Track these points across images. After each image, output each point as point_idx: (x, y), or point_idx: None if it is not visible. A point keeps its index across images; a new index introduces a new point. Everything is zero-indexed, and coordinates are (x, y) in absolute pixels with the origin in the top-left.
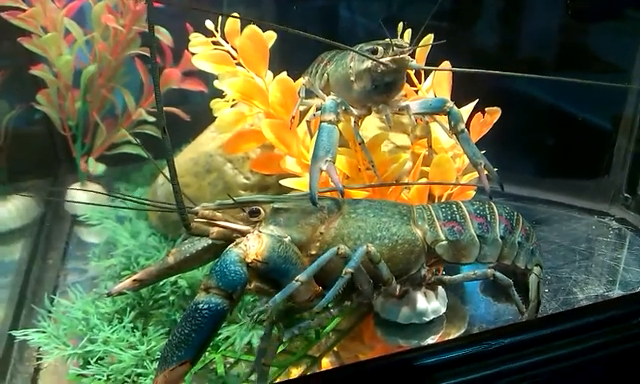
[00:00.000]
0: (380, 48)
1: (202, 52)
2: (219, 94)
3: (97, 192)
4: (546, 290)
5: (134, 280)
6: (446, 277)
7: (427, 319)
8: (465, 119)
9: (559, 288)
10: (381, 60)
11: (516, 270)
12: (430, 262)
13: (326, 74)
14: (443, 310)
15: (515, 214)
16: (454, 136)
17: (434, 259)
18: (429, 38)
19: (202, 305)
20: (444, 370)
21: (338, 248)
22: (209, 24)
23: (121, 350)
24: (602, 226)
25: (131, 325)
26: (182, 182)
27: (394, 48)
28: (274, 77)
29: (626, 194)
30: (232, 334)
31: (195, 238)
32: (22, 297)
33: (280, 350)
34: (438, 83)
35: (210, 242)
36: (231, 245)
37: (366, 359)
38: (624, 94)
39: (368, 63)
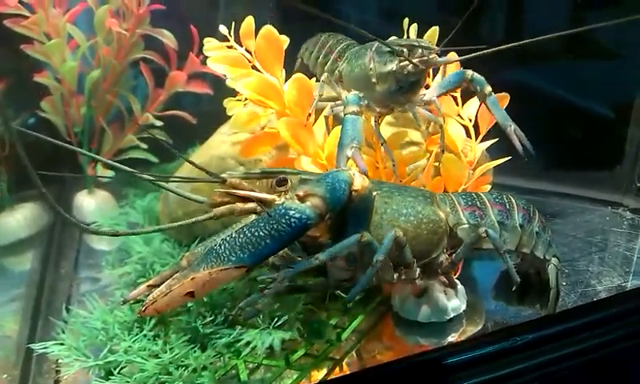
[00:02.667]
0: (405, 50)
1: (216, 55)
2: (226, 95)
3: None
4: (564, 283)
5: (149, 285)
6: (452, 256)
7: (448, 317)
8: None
9: (577, 280)
10: (410, 61)
11: (534, 261)
12: (451, 246)
13: (337, 72)
14: (463, 307)
15: (531, 205)
16: (482, 102)
17: (454, 245)
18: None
19: (293, 212)
20: (470, 368)
21: (362, 235)
22: (222, 29)
23: (143, 359)
24: (616, 216)
25: (152, 333)
26: (194, 187)
27: (421, 50)
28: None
29: (638, 184)
30: (252, 339)
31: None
32: (37, 308)
33: (301, 353)
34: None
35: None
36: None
37: (389, 361)
38: (635, 84)
39: (393, 66)
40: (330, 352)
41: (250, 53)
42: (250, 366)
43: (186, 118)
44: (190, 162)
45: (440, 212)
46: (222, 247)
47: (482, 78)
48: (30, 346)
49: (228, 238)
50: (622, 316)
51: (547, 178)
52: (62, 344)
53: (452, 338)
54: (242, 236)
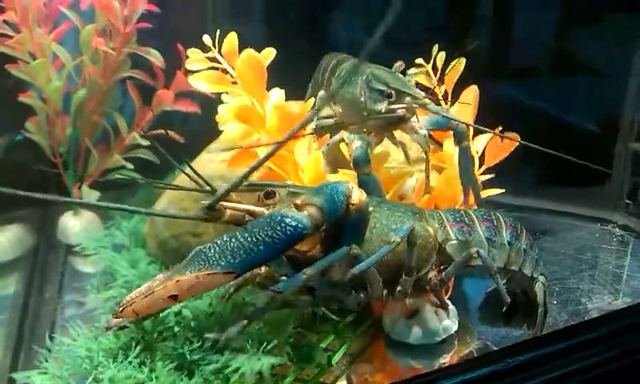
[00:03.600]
0: (393, 93)
1: (198, 73)
2: (214, 112)
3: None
4: (555, 302)
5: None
6: (442, 273)
7: (439, 338)
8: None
9: (568, 298)
10: (398, 107)
11: (522, 279)
12: (440, 263)
13: (331, 89)
14: (455, 327)
15: (519, 223)
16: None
17: (443, 261)
18: (460, 63)
19: (289, 220)
20: None
21: (351, 248)
22: (206, 39)
23: None
24: (606, 233)
25: (137, 360)
26: (182, 207)
27: (409, 98)
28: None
29: (627, 200)
30: (241, 365)
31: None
32: (21, 334)
33: (291, 378)
34: (462, 107)
35: None
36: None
37: None
38: (622, 100)
39: (382, 107)
40: (320, 376)
41: (234, 69)
42: None
43: (174, 137)
44: (188, 169)
45: (429, 228)
46: (212, 250)
47: (464, 130)
48: (12, 375)
49: (219, 242)
50: (613, 335)
51: (536, 195)
52: (45, 373)
53: (444, 359)
54: (233, 240)
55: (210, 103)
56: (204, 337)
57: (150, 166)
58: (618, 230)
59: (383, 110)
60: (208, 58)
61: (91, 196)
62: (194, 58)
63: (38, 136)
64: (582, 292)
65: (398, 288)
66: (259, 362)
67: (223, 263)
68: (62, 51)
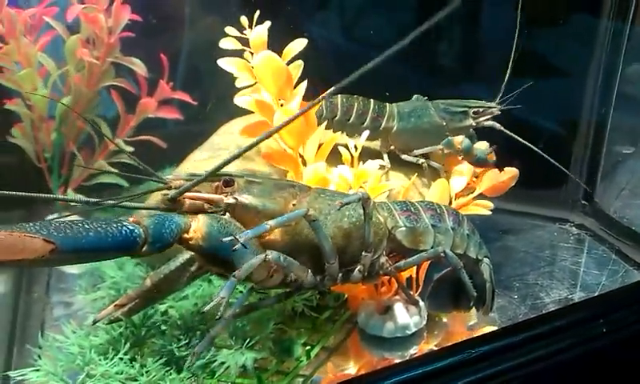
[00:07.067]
0: (478, 109)
1: (229, 58)
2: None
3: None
4: (515, 296)
5: (116, 305)
6: (401, 261)
7: (410, 332)
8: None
9: (527, 294)
10: (481, 120)
11: (467, 263)
12: (390, 250)
13: (385, 130)
14: (424, 322)
15: (459, 212)
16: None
17: (394, 248)
18: None
19: (127, 224)
20: (431, 379)
21: (308, 210)
22: (243, 19)
23: (121, 382)
24: (563, 232)
25: (128, 357)
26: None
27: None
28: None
29: (583, 201)
30: (226, 360)
31: (170, 260)
32: (12, 332)
33: (273, 371)
34: None
35: (183, 260)
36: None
37: (356, 375)
38: (580, 102)
39: (469, 122)
40: (300, 369)
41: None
42: None
43: (157, 143)
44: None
45: (379, 216)
46: (37, 224)
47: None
48: (7, 373)
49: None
50: (569, 327)
51: (499, 197)
52: (38, 370)
53: (414, 351)
54: (67, 223)
55: (188, 110)
56: (190, 334)
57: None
58: (574, 229)
59: (474, 124)
60: (240, 39)
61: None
62: (229, 38)
63: (24, 141)
64: (540, 287)
65: (358, 267)
66: (243, 357)
67: (45, 231)
68: (48, 60)
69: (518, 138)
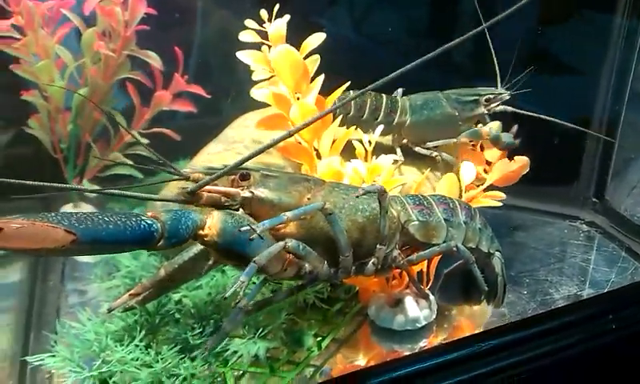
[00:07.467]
0: (489, 96)
1: (247, 50)
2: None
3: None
4: (525, 292)
5: (130, 294)
6: (413, 255)
7: (420, 325)
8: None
9: (537, 289)
10: (491, 106)
11: (479, 257)
12: (403, 244)
13: (398, 125)
14: (434, 315)
15: (471, 206)
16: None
17: (406, 242)
18: None
19: (145, 218)
20: (440, 372)
21: (325, 203)
22: (263, 13)
23: (137, 368)
24: (573, 229)
25: (143, 344)
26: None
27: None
28: None
29: (594, 199)
30: (239, 349)
31: (184, 250)
32: (29, 319)
33: (284, 360)
34: None
35: (196, 251)
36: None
37: (366, 367)
38: (592, 100)
39: (481, 110)
40: (311, 359)
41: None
42: (237, 373)
43: (171, 135)
44: (153, 152)
45: (392, 210)
46: (60, 215)
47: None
48: (25, 358)
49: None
50: (578, 323)
51: (510, 193)
52: (54, 356)
53: (424, 343)
54: (88, 214)
55: (202, 103)
56: (204, 323)
57: (151, 163)
58: (585, 226)
59: (486, 112)
60: (259, 32)
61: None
62: (248, 31)
63: (40, 132)
64: (550, 283)
65: (372, 260)
66: (255, 346)
67: (67, 222)
68: (65, 52)
69: (532, 114)
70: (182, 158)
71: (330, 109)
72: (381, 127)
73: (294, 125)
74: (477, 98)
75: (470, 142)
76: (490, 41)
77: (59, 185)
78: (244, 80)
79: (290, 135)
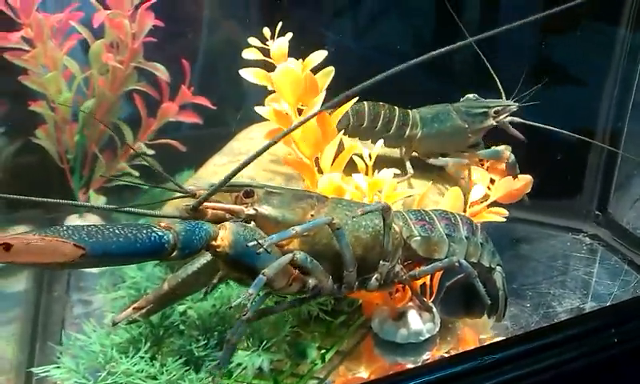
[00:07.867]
0: (493, 109)
1: (250, 68)
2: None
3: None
4: (527, 305)
5: (134, 308)
6: (415, 270)
7: (423, 338)
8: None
9: (539, 303)
10: (500, 118)
11: (481, 271)
12: (405, 259)
13: (409, 138)
14: (437, 328)
15: (473, 220)
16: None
17: (409, 257)
18: None
19: (157, 229)
20: None
21: (333, 218)
22: (265, 31)
23: (142, 380)
24: (576, 242)
25: (148, 355)
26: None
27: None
28: None
29: (597, 212)
30: (243, 361)
31: (188, 263)
32: (34, 330)
33: (288, 373)
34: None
35: (200, 265)
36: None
37: (369, 380)
38: (595, 112)
39: (489, 122)
40: (314, 372)
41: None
42: None
43: (177, 147)
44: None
45: (394, 225)
46: (70, 229)
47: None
48: (30, 369)
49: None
50: (581, 336)
51: (513, 206)
52: (60, 367)
53: (427, 356)
54: (99, 227)
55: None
56: (208, 335)
57: (154, 174)
58: (587, 239)
59: (494, 124)
60: (262, 50)
61: (98, 201)
62: (251, 49)
63: (47, 142)
64: (552, 296)
65: (375, 275)
66: (259, 358)
67: (77, 237)
68: (73, 64)
69: (540, 125)
70: (186, 169)
71: (313, 113)
72: (381, 141)
73: (295, 141)
74: (486, 110)
75: (480, 160)
76: (482, 54)
77: (66, 201)
78: (249, 92)
79: (277, 141)
